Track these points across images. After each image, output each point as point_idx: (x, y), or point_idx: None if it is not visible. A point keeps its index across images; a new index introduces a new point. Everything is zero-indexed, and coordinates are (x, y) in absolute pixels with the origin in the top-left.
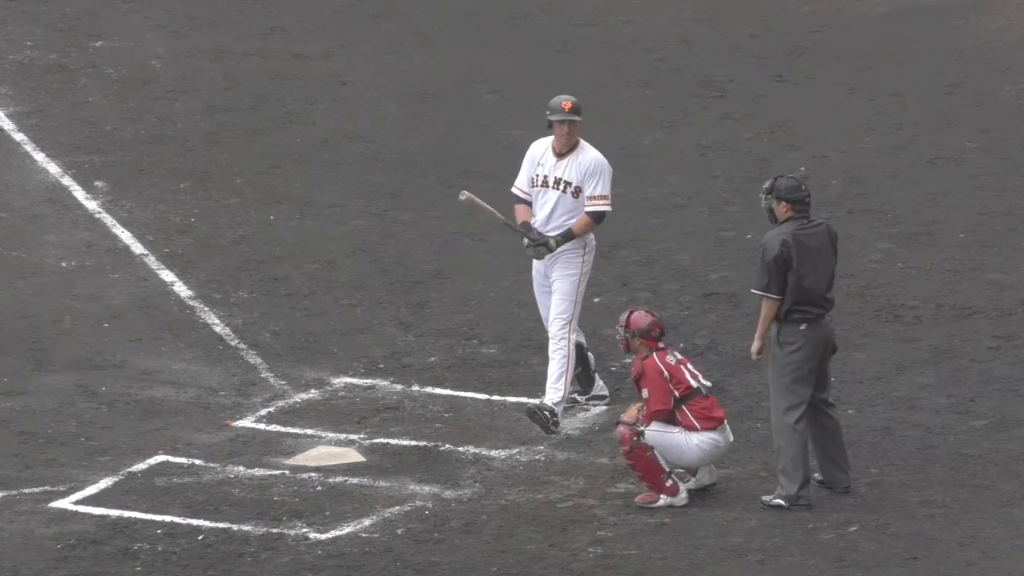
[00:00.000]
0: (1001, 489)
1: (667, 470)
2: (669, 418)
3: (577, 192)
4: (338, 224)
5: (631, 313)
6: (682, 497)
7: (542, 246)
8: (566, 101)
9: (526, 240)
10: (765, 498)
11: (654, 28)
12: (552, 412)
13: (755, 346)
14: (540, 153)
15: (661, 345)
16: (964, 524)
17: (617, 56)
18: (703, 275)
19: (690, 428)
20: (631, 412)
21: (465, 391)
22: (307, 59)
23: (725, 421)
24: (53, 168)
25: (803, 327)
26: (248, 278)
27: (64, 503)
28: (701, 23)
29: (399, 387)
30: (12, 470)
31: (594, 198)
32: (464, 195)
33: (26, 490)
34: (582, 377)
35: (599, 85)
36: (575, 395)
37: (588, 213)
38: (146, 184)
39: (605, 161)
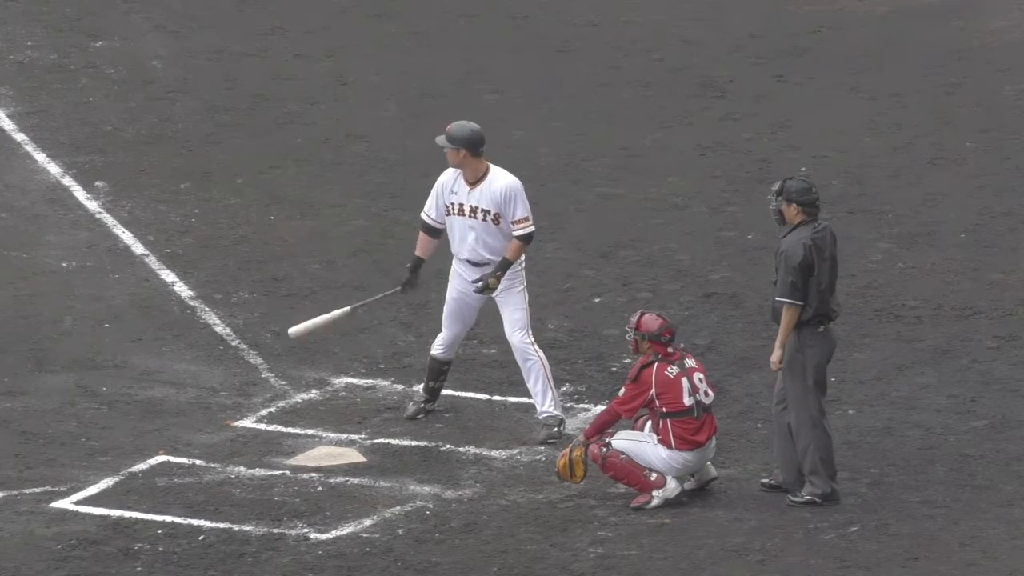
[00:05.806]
0: (1002, 489)
1: (645, 467)
2: (614, 419)
3: (497, 219)
4: (338, 224)
5: (642, 315)
6: (672, 487)
7: (485, 288)
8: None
9: (402, 288)
10: (794, 498)
11: (654, 28)
12: (559, 422)
13: (776, 355)
14: (452, 181)
15: (670, 350)
16: (965, 524)
17: (617, 56)
18: (703, 275)
19: (665, 443)
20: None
21: (465, 391)
22: (307, 59)
23: (712, 439)
24: (54, 168)
25: (821, 329)
26: (248, 278)
27: (65, 503)
28: (701, 23)
29: (400, 387)
30: (12, 470)
31: (517, 222)
32: (292, 332)
33: (27, 490)
34: (434, 391)
35: (599, 85)
36: (423, 404)
37: (517, 237)
38: (146, 184)
39: (516, 183)
